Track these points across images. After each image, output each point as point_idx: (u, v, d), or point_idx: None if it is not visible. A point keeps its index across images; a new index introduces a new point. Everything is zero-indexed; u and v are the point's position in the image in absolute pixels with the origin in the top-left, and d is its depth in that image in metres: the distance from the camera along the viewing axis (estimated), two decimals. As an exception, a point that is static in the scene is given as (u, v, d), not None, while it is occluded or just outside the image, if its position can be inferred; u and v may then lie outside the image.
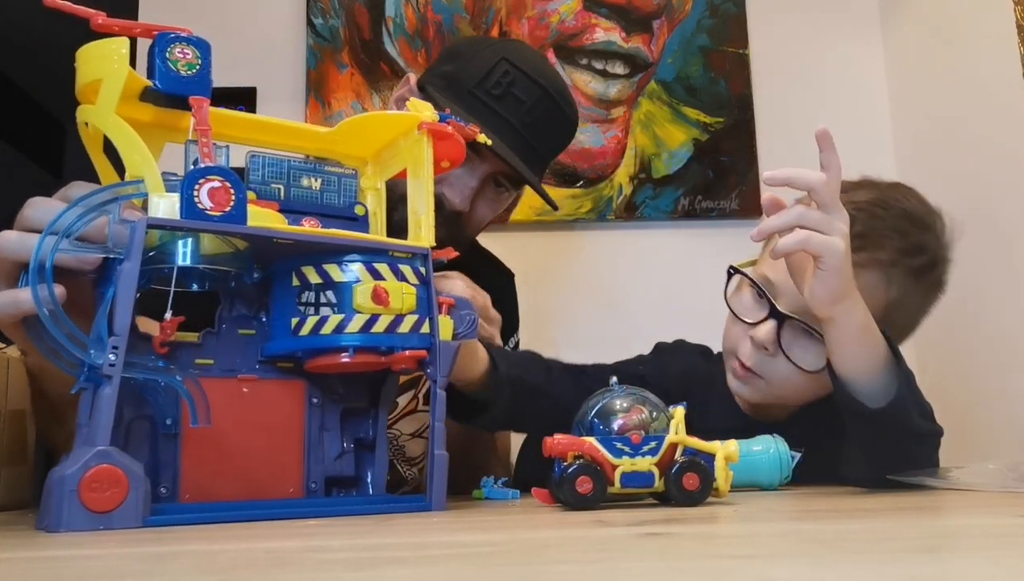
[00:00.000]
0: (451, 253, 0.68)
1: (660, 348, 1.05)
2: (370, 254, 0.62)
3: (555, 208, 1.14)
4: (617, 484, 0.60)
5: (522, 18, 1.75)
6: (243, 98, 1.70)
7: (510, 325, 1.24)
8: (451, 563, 0.36)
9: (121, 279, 0.53)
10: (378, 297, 0.61)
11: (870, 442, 0.75)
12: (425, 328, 0.63)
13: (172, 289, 0.62)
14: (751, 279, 0.89)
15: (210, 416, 0.58)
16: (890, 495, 0.69)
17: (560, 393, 0.87)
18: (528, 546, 0.41)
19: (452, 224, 1.06)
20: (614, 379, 0.67)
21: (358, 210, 0.68)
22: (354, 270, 0.61)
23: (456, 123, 0.69)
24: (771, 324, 0.86)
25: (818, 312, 0.74)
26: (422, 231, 0.67)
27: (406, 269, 0.63)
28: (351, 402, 0.67)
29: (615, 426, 0.61)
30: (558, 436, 0.61)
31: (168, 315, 0.59)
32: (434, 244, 0.67)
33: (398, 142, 0.70)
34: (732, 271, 0.92)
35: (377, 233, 0.69)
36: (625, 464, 0.60)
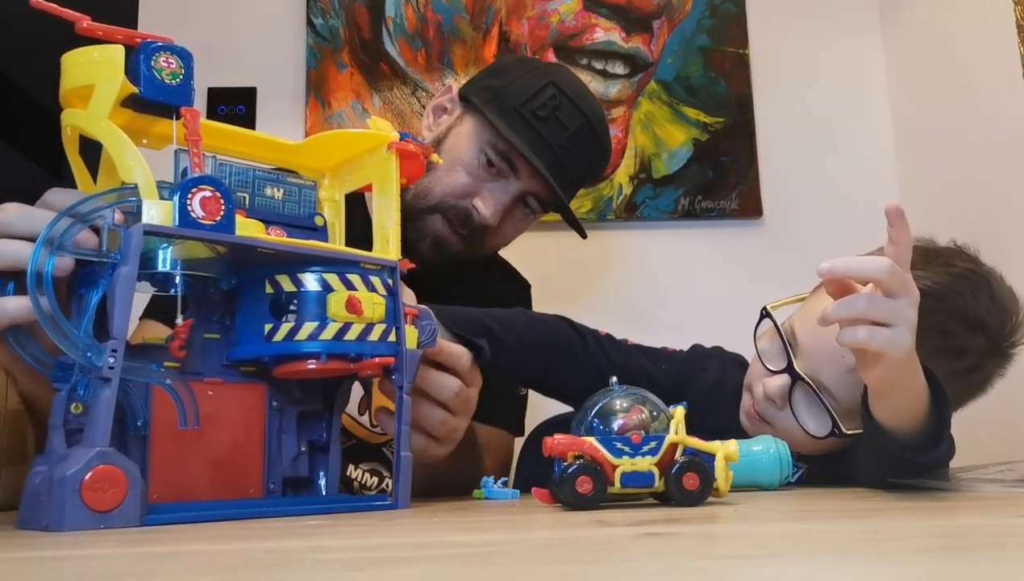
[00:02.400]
0: (408, 265, 0.70)
1: (697, 352, 1.04)
2: (343, 265, 0.65)
3: (584, 236, 1.14)
4: (617, 484, 0.60)
5: (522, 18, 1.75)
6: (243, 98, 1.70)
7: None
8: (451, 563, 0.36)
9: (119, 283, 0.54)
10: (352, 306, 0.63)
11: (892, 471, 0.74)
12: (392, 337, 0.66)
13: (179, 293, 0.64)
14: (779, 329, 0.88)
15: (199, 418, 0.60)
16: (890, 495, 0.69)
17: (518, 366, 0.88)
18: (528, 546, 0.41)
19: (476, 238, 1.06)
20: (614, 379, 0.67)
21: (317, 221, 0.70)
22: (328, 280, 0.63)
23: (417, 142, 0.71)
24: (785, 379, 0.85)
25: (871, 387, 0.70)
26: (389, 244, 0.69)
27: (375, 280, 0.66)
28: (307, 405, 0.69)
29: (615, 426, 0.62)
30: (558, 436, 0.61)
31: (180, 319, 0.61)
32: (400, 257, 0.69)
33: (362, 158, 0.73)
34: (765, 314, 0.91)
35: (335, 243, 0.72)
36: (625, 464, 0.60)
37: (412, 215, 1.07)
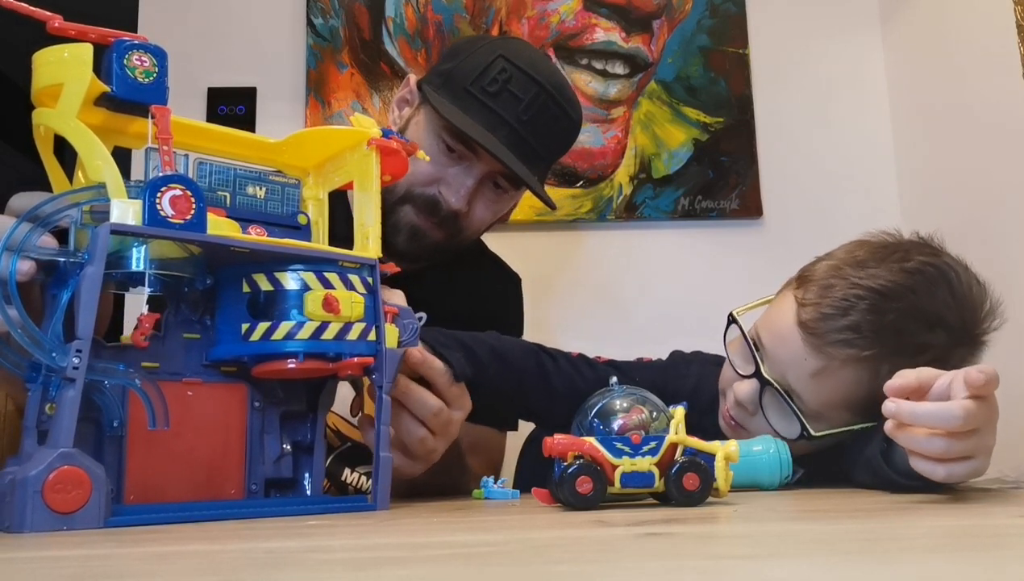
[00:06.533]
0: (393, 268, 0.69)
1: (675, 360, 1.03)
2: (320, 264, 0.64)
3: (553, 207, 1.10)
4: (617, 484, 0.60)
5: (522, 18, 1.75)
6: (243, 98, 1.70)
7: (515, 330, 1.23)
8: (451, 563, 0.36)
9: (84, 283, 0.54)
10: (329, 305, 0.63)
11: (895, 490, 0.73)
12: (372, 336, 0.65)
13: (135, 293, 0.63)
14: (745, 335, 0.87)
15: (168, 419, 0.59)
16: (890, 495, 0.69)
17: (493, 381, 0.85)
18: (528, 546, 0.41)
19: (450, 225, 1.05)
20: (614, 379, 0.67)
21: (301, 219, 0.70)
22: (305, 279, 0.63)
23: (399, 139, 0.71)
24: (754, 384, 0.85)
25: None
26: (369, 242, 0.69)
27: (354, 278, 0.65)
28: (290, 406, 0.69)
29: (615, 426, 0.62)
30: (558, 436, 0.61)
31: (145, 309, 0.61)
32: (381, 255, 0.68)
33: (344, 155, 0.72)
34: (731, 320, 0.90)
35: (319, 242, 0.71)
36: (625, 464, 0.60)
37: (385, 210, 1.06)
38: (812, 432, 0.82)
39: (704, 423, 0.92)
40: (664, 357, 1.05)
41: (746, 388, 0.86)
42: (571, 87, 1.09)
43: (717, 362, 1.00)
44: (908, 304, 0.81)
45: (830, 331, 0.80)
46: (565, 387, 0.89)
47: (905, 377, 0.63)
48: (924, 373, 0.63)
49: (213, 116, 1.66)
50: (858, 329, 0.80)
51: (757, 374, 0.85)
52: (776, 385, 0.83)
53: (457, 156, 1.03)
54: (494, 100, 1.01)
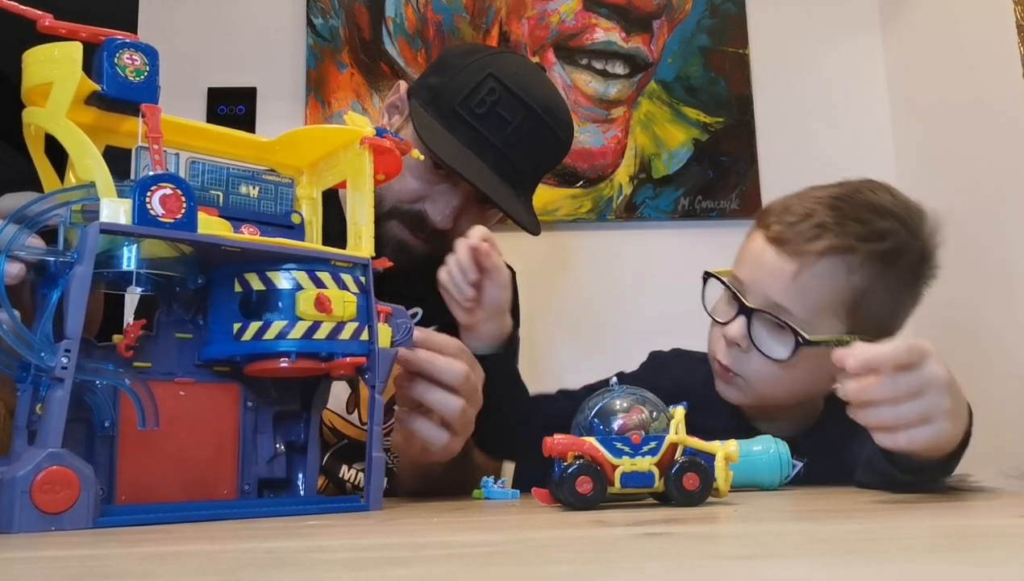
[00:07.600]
0: (386, 263, 0.69)
1: (653, 361, 1.06)
2: (313, 263, 0.64)
3: (534, 233, 1.08)
4: (617, 484, 0.60)
5: (522, 18, 1.75)
6: (243, 98, 1.69)
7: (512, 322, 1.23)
8: (451, 563, 0.36)
9: (73, 282, 0.54)
10: (321, 305, 0.62)
11: (898, 489, 0.73)
12: (364, 335, 0.65)
13: (129, 293, 0.63)
14: (721, 280, 0.93)
15: (158, 419, 0.59)
16: (890, 495, 0.69)
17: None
18: (528, 546, 0.41)
19: (436, 240, 1.03)
20: (614, 379, 0.67)
21: (294, 218, 0.70)
22: (297, 278, 0.63)
23: (393, 138, 0.70)
24: (741, 320, 0.89)
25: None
26: (362, 241, 0.68)
27: (347, 278, 0.65)
28: (284, 405, 0.68)
29: (615, 426, 0.61)
30: (558, 436, 0.61)
31: (131, 319, 0.60)
32: (374, 254, 0.68)
33: (337, 154, 0.72)
34: (707, 276, 0.95)
35: (312, 241, 0.71)
36: (625, 464, 0.60)
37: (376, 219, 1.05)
38: (806, 337, 0.85)
39: (695, 419, 0.93)
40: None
41: (735, 327, 0.90)
42: (564, 106, 1.07)
43: (698, 358, 1.01)
44: (860, 200, 0.91)
45: (799, 234, 0.88)
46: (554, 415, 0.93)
47: (855, 351, 0.63)
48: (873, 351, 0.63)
49: (213, 116, 1.66)
50: (823, 225, 0.88)
51: (742, 309, 0.89)
52: (762, 309, 0.88)
53: (444, 173, 1.01)
54: (481, 122, 1.00)
